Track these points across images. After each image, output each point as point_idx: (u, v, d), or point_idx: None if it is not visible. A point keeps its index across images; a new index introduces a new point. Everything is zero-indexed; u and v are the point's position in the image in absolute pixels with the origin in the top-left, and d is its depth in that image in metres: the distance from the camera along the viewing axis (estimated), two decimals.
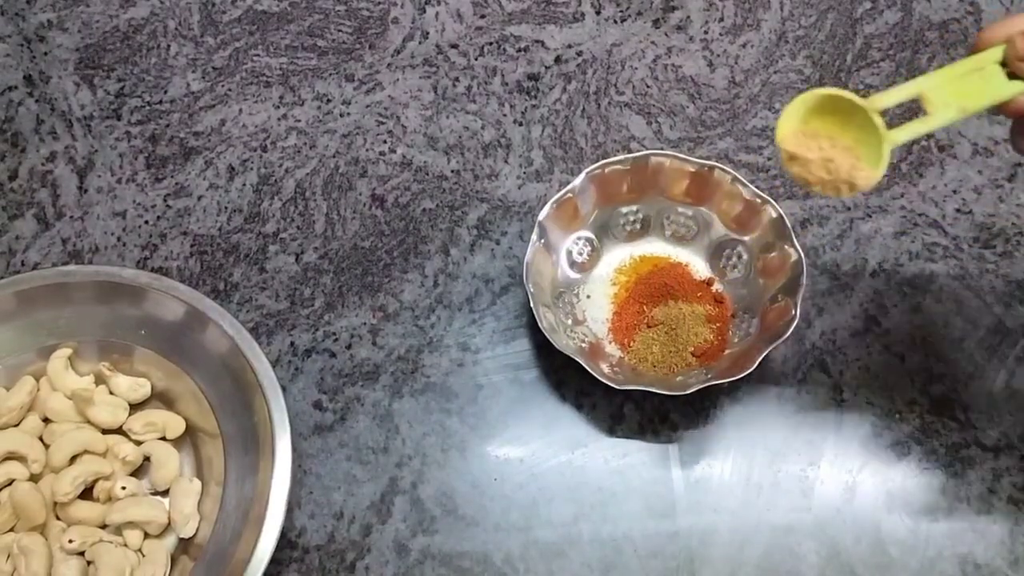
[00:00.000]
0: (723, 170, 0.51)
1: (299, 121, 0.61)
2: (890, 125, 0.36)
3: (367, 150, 0.59)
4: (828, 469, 0.49)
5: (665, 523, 0.47)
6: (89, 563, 0.44)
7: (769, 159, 0.59)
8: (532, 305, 0.48)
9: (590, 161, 0.58)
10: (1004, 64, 0.36)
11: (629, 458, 0.49)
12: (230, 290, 0.54)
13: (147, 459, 0.48)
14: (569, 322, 0.52)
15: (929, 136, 0.59)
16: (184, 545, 0.46)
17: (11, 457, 0.46)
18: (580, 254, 0.54)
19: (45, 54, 0.64)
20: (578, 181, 0.51)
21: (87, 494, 0.46)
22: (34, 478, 0.46)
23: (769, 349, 0.47)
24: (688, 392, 0.46)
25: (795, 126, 0.37)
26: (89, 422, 0.48)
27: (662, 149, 0.59)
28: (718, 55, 0.63)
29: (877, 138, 0.35)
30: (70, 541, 0.44)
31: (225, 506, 0.45)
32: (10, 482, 0.46)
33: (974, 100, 0.36)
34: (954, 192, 0.57)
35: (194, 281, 0.55)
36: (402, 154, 0.59)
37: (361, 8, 0.65)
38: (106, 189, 0.58)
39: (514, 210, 0.57)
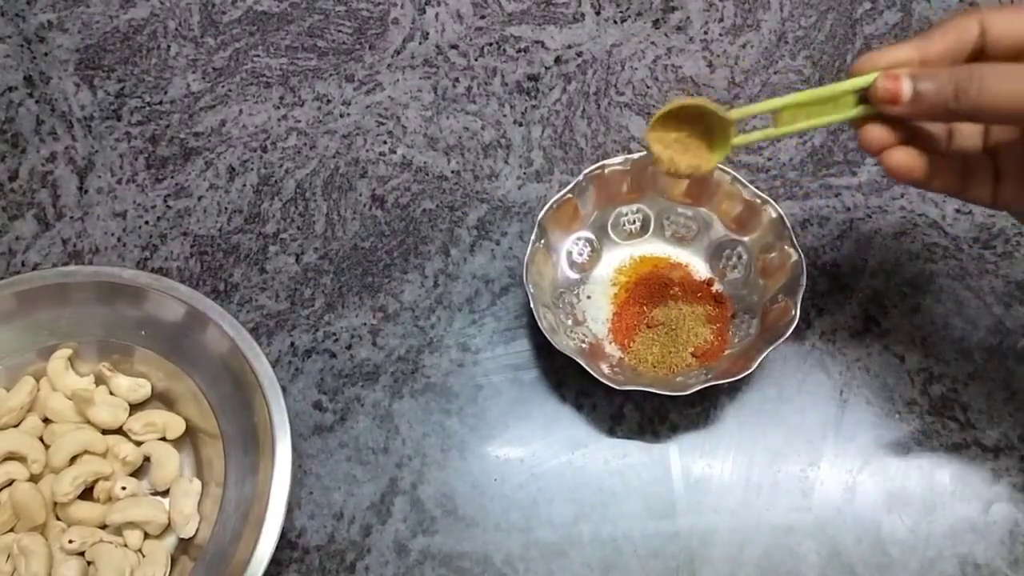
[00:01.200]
0: (723, 170, 0.52)
1: (299, 122, 0.61)
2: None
3: (367, 151, 0.60)
4: (828, 469, 0.49)
5: (665, 523, 0.47)
6: (89, 563, 0.44)
7: (769, 159, 0.59)
8: (532, 306, 0.48)
9: (590, 161, 0.58)
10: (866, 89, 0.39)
11: (629, 458, 0.49)
12: (230, 290, 0.55)
13: (147, 459, 0.48)
14: (569, 322, 0.52)
15: None
16: (184, 545, 0.46)
17: (11, 457, 0.46)
18: (580, 254, 0.54)
19: (45, 55, 0.64)
20: (578, 181, 0.51)
21: (87, 494, 0.46)
22: (34, 478, 0.46)
23: (769, 349, 0.47)
24: (688, 392, 0.46)
25: (660, 123, 0.42)
26: (89, 422, 0.48)
27: None
28: (718, 55, 0.63)
29: (726, 139, 0.41)
30: (70, 541, 0.44)
31: (225, 506, 0.45)
32: (10, 482, 0.46)
33: (817, 119, 0.40)
34: None
35: (194, 282, 0.55)
36: (402, 154, 0.59)
37: (361, 9, 0.65)
38: (106, 190, 0.58)
39: (514, 210, 0.57)
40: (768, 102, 0.40)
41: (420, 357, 0.52)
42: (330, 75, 0.63)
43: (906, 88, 0.36)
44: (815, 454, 0.49)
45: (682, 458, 0.49)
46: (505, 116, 0.61)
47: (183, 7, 0.65)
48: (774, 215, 0.51)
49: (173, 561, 0.46)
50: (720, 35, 0.64)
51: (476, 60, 0.63)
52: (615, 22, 0.65)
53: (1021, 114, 0.35)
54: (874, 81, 0.37)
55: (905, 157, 0.39)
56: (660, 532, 0.47)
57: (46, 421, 0.48)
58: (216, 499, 0.46)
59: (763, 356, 0.46)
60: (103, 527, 0.45)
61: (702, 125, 0.42)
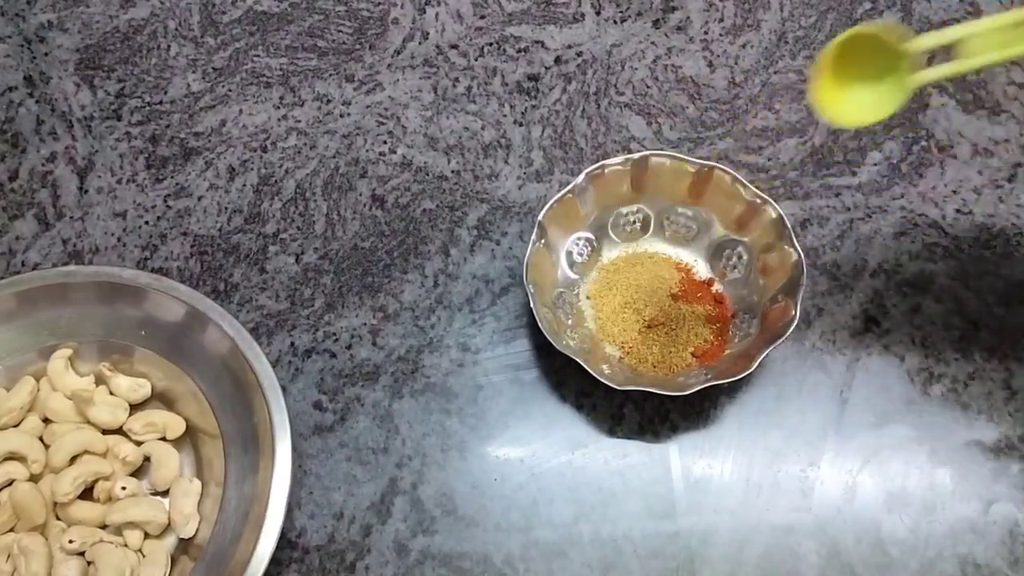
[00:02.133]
0: (723, 170, 0.51)
1: (299, 121, 0.61)
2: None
3: (367, 150, 0.60)
4: (828, 469, 0.49)
5: (665, 523, 0.47)
6: (89, 563, 0.44)
7: (769, 159, 0.59)
8: (532, 305, 0.48)
9: (590, 161, 0.58)
10: None
11: (629, 458, 0.49)
12: (230, 290, 0.54)
13: (147, 459, 0.48)
14: (569, 322, 0.52)
15: (929, 136, 0.59)
16: (184, 545, 0.46)
17: (11, 457, 0.46)
18: (580, 254, 0.54)
19: (45, 55, 0.64)
20: (578, 181, 0.51)
21: (87, 494, 0.46)
22: (34, 478, 0.46)
23: (769, 349, 0.47)
24: (688, 392, 0.46)
25: (828, 70, 0.37)
26: (89, 422, 0.48)
27: (662, 149, 0.59)
28: (718, 55, 0.63)
29: (900, 76, 0.36)
30: (70, 541, 0.44)
31: (225, 506, 0.45)
32: (10, 482, 0.46)
33: (1014, 47, 0.35)
34: (954, 192, 0.57)
35: (194, 282, 0.55)
36: (402, 154, 0.59)
37: (361, 8, 0.65)
38: (106, 189, 0.58)
39: (514, 210, 0.57)
40: (952, 29, 0.35)
41: (420, 357, 0.52)
42: (330, 75, 0.63)
43: None
44: (815, 454, 0.49)
45: (682, 458, 0.49)
46: (505, 116, 0.61)
47: (183, 7, 0.65)
48: (774, 215, 0.51)
49: (173, 561, 0.46)
50: (720, 35, 0.64)
51: (476, 60, 0.63)
52: (615, 22, 0.65)
53: None
54: None
55: None
56: (660, 532, 0.47)
57: (46, 421, 0.48)
58: (216, 499, 0.46)
59: (763, 356, 0.46)
60: (103, 527, 0.45)
61: (872, 64, 0.37)
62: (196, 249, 0.56)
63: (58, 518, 0.46)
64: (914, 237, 0.56)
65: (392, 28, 0.65)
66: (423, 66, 0.63)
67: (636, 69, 0.63)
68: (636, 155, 0.52)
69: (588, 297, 0.53)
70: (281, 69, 0.63)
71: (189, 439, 0.49)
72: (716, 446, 0.49)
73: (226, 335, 0.47)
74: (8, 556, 0.44)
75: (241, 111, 0.61)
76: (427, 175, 0.59)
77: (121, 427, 0.48)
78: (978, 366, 0.51)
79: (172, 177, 0.59)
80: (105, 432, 0.48)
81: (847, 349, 0.52)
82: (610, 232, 0.55)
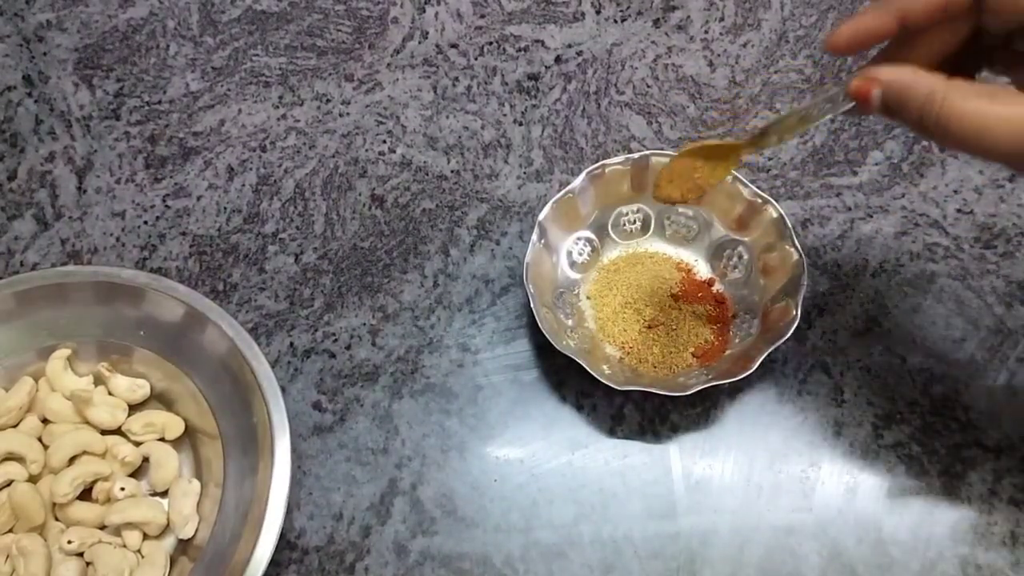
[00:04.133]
0: None
1: (298, 121, 0.61)
2: None
3: (367, 150, 0.59)
4: (829, 470, 0.48)
5: (666, 524, 0.47)
6: (88, 564, 0.44)
7: (770, 159, 0.59)
8: (532, 306, 0.48)
9: (590, 161, 0.58)
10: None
11: (629, 459, 0.49)
12: (229, 291, 0.54)
13: (146, 460, 0.48)
14: (569, 323, 0.52)
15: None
16: (183, 546, 0.46)
17: (10, 458, 0.46)
18: (580, 254, 0.54)
19: (44, 54, 0.63)
20: (578, 181, 0.51)
21: (86, 495, 0.46)
22: (33, 479, 0.46)
23: (770, 350, 0.47)
24: (688, 393, 0.46)
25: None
26: (88, 423, 0.47)
27: (662, 149, 0.59)
28: (719, 55, 0.63)
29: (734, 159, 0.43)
30: (69, 542, 0.44)
31: (224, 507, 0.45)
32: (9, 483, 0.45)
33: (811, 122, 0.39)
34: (955, 192, 0.57)
35: (193, 282, 0.55)
36: (402, 154, 0.59)
37: (360, 8, 0.65)
38: (105, 189, 0.58)
39: (514, 210, 0.57)
40: (764, 126, 0.40)
41: (420, 357, 0.52)
42: (329, 74, 0.62)
43: (875, 96, 0.36)
44: (816, 454, 0.49)
45: (683, 458, 0.49)
46: (505, 115, 0.61)
47: (182, 6, 0.65)
48: (775, 215, 0.51)
49: (172, 562, 0.45)
50: (721, 34, 0.64)
51: (476, 59, 0.63)
52: (615, 21, 0.65)
53: (983, 151, 0.33)
54: (848, 79, 0.37)
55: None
56: (660, 533, 0.47)
57: (45, 421, 0.48)
58: (215, 500, 0.46)
59: (764, 356, 0.46)
60: (102, 528, 0.45)
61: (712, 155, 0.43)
62: (195, 249, 0.56)
63: (57, 519, 0.46)
64: (915, 237, 0.56)
65: (392, 27, 0.64)
66: (423, 65, 0.63)
67: (636, 68, 0.62)
68: (636, 155, 0.52)
69: (588, 297, 0.53)
70: (280, 68, 0.63)
71: (188, 440, 0.49)
72: (717, 446, 0.49)
73: (225, 335, 0.47)
74: (7, 557, 0.44)
75: (240, 111, 0.61)
76: (427, 175, 0.58)
77: (120, 427, 0.48)
78: (979, 367, 0.51)
79: (171, 177, 0.59)
80: (104, 432, 0.48)
81: (848, 349, 0.52)
82: (610, 232, 0.54)
